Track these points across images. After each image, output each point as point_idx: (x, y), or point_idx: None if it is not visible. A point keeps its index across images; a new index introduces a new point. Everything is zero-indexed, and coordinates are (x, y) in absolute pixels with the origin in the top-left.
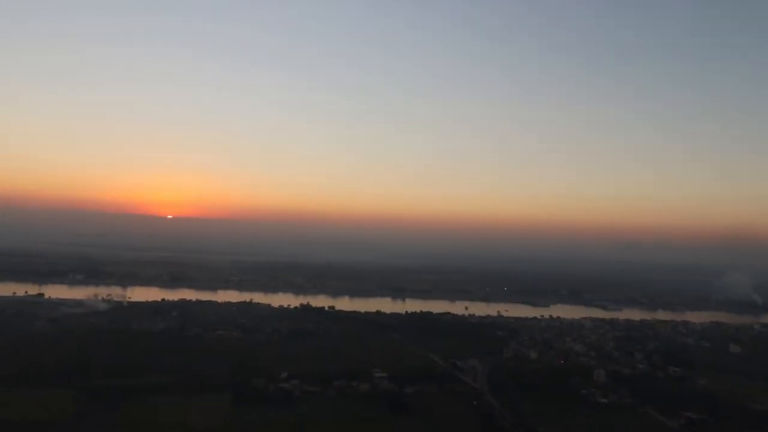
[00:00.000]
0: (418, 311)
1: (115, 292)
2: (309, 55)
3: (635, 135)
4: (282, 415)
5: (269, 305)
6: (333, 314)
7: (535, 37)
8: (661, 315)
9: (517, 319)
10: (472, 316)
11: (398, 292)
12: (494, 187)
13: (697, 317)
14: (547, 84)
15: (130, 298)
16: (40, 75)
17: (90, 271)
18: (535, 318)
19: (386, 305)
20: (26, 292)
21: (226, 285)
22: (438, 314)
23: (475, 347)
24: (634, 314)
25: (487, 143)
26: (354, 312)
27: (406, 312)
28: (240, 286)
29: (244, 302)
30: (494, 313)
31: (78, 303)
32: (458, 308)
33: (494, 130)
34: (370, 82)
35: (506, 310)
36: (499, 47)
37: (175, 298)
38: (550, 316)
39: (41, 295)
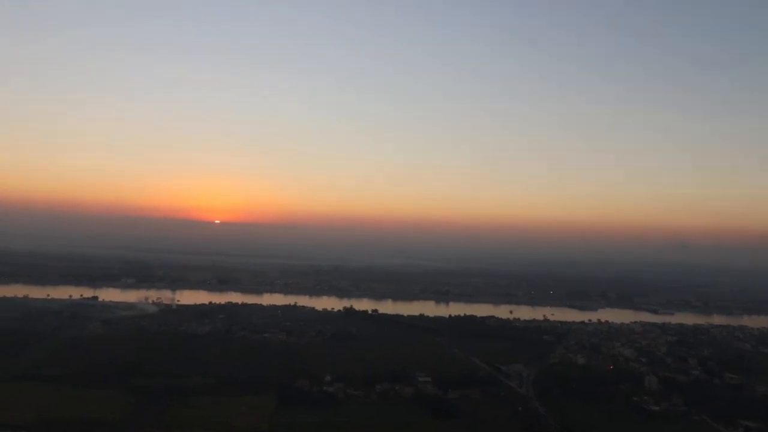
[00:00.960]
0: (462, 315)
1: (165, 295)
2: (355, 62)
3: (686, 133)
4: (325, 418)
5: (313, 308)
6: (376, 317)
7: (584, 39)
8: (716, 319)
9: (564, 323)
10: (517, 320)
11: (441, 296)
12: (538, 189)
13: (754, 322)
14: (590, 85)
15: (178, 300)
16: (90, 84)
17: (141, 274)
18: (582, 322)
19: (429, 308)
20: (81, 295)
21: (272, 288)
22: (482, 318)
23: (520, 352)
24: (687, 318)
25: (528, 145)
26: (397, 315)
27: (450, 315)
28: (285, 290)
29: (289, 305)
30: (540, 317)
31: (129, 306)
32: (503, 312)
33: (536, 132)
34: (414, 87)
35: (552, 314)
36: (546, 52)
37: (222, 301)
38: (598, 320)
39: (95, 298)
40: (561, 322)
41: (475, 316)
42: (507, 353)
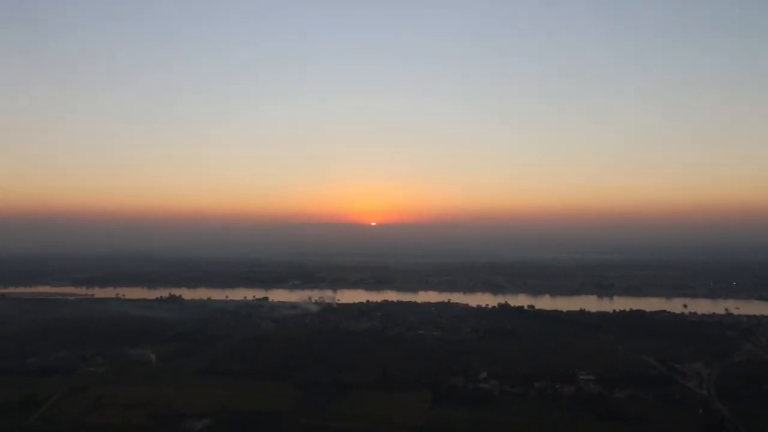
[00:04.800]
0: (628, 309)
1: (326, 295)
2: (500, 61)
3: None
4: (481, 415)
5: (467, 305)
6: (533, 313)
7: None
8: None
9: (751, 318)
10: (692, 314)
11: (604, 290)
12: (702, 170)
13: None
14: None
15: (338, 300)
16: (251, 99)
17: (306, 276)
18: None
19: (591, 303)
20: (254, 297)
21: (426, 286)
22: (651, 313)
23: (697, 349)
24: None
25: (683, 127)
26: (555, 311)
27: (614, 310)
28: (439, 287)
29: (443, 302)
30: (721, 311)
31: (293, 305)
32: (675, 306)
33: (690, 114)
34: (553, 77)
35: (736, 308)
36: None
37: (379, 300)
38: None
39: (266, 298)
40: (747, 316)
41: (644, 311)
42: (682, 351)
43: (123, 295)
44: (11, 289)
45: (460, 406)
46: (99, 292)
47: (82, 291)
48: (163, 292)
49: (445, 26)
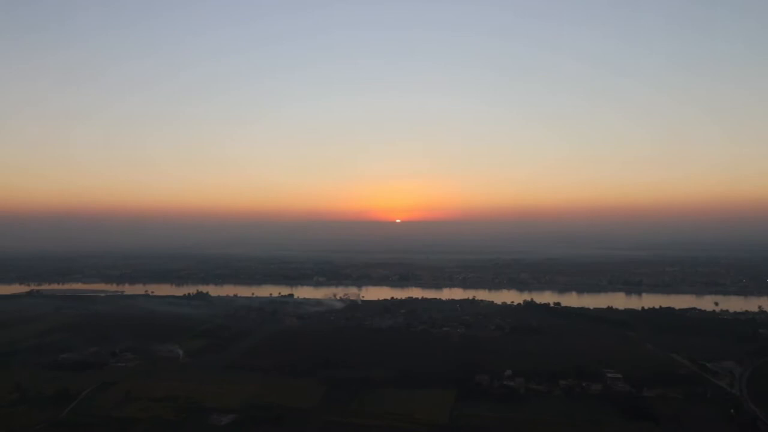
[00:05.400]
0: (657, 306)
1: (351, 292)
2: (515, 54)
3: None
4: (507, 413)
5: (492, 302)
6: (559, 310)
7: None
8: None
9: None
10: (724, 311)
11: (632, 287)
12: (734, 165)
13: None
14: None
15: (363, 296)
16: (279, 96)
17: (331, 273)
18: None
19: (619, 301)
20: (279, 293)
21: (451, 283)
22: (681, 310)
23: (729, 347)
24: None
25: (712, 122)
26: (582, 308)
27: (643, 308)
28: (464, 284)
29: (468, 299)
30: (754, 308)
31: (318, 302)
32: (706, 303)
33: (719, 109)
34: (578, 71)
35: None
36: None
37: (403, 297)
38: None
39: (291, 295)
40: None
41: (673, 309)
42: (713, 349)
43: (152, 292)
44: (45, 286)
45: (485, 403)
46: (129, 289)
47: (112, 287)
48: (191, 289)
49: (469, 22)
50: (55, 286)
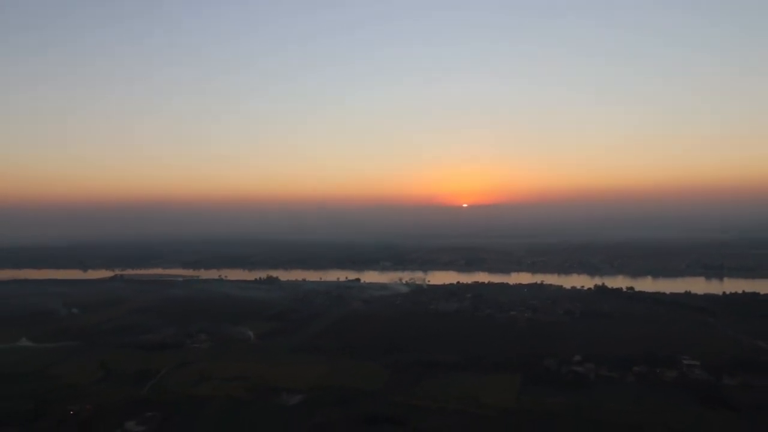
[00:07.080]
0: (740, 291)
1: (417, 276)
2: (583, 34)
3: None
4: (575, 399)
5: (561, 287)
6: (632, 295)
7: None
8: None
9: None
10: None
11: (713, 271)
12: None
13: None
14: None
15: (428, 281)
16: (345, 85)
17: (396, 258)
18: None
19: (698, 285)
20: (346, 278)
21: (518, 267)
22: (766, 295)
23: None
24: None
25: None
26: (658, 293)
27: (724, 293)
28: (532, 268)
29: (535, 284)
30: None
31: (384, 286)
32: None
33: None
34: (651, 49)
35: None
36: None
37: (469, 281)
38: None
39: (357, 280)
40: None
41: (758, 293)
42: None
43: (225, 277)
44: (129, 271)
45: (552, 389)
46: (204, 274)
47: (189, 272)
48: (262, 274)
49: (536, 3)
50: (138, 271)
